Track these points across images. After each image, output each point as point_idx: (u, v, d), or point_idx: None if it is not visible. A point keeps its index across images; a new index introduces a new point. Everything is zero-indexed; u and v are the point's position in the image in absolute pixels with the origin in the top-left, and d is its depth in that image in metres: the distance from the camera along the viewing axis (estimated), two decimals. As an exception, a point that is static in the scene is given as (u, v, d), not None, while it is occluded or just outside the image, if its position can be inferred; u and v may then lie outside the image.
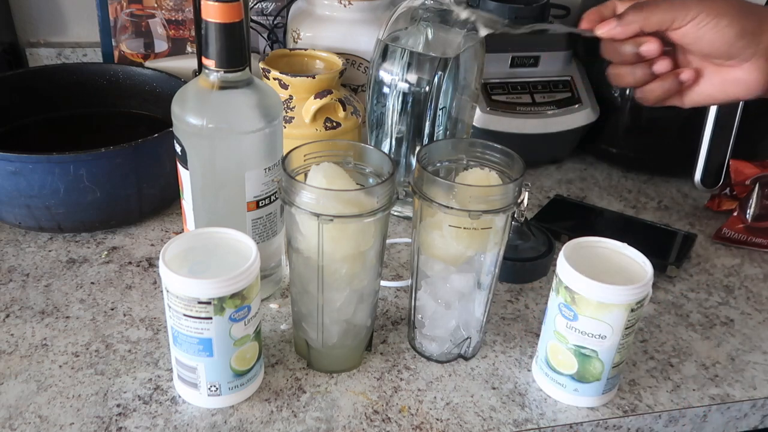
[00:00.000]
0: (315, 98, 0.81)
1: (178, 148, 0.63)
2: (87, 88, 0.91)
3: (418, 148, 0.80)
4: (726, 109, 0.86)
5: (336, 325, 0.61)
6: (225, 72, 0.59)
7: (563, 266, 0.58)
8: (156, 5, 1.02)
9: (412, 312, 0.65)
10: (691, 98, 0.61)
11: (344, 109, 0.84)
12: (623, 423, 0.61)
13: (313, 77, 0.82)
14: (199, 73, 0.62)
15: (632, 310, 0.56)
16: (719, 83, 0.59)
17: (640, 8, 0.57)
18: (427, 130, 0.80)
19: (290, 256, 0.61)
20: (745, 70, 0.57)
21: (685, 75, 0.59)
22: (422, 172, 0.57)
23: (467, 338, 0.64)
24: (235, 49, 0.58)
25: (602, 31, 0.58)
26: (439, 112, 0.79)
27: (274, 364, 0.64)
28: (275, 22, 1.07)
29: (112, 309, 0.69)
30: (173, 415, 0.58)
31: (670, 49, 0.59)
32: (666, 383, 0.65)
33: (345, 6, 0.91)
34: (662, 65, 0.59)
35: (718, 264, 0.83)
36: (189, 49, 1.05)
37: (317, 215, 0.54)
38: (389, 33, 0.79)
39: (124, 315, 0.68)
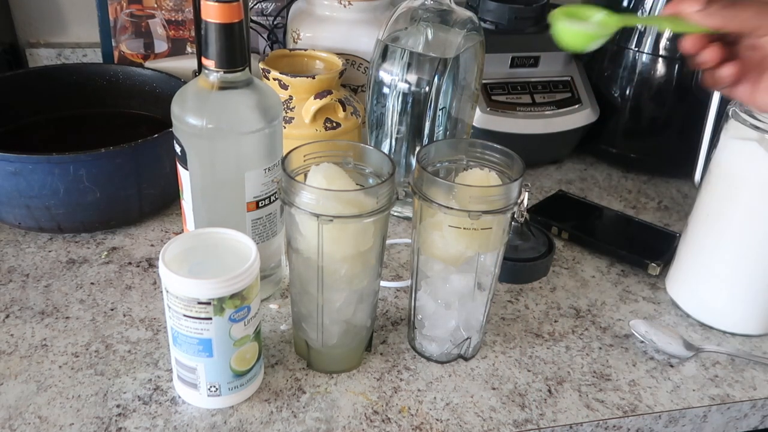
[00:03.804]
0: (315, 98, 0.81)
1: (177, 149, 0.63)
2: (87, 88, 0.91)
3: (418, 148, 0.80)
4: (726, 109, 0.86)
5: (336, 325, 0.61)
6: (225, 72, 0.59)
7: None
8: (156, 5, 1.02)
9: (412, 312, 0.65)
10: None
11: (344, 110, 0.84)
12: (623, 423, 0.61)
13: (313, 77, 0.82)
14: (199, 73, 0.62)
15: None
16: None
17: (729, 5, 0.55)
18: (427, 131, 0.80)
19: (290, 257, 0.61)
20: None
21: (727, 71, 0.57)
22: (422, 173, 0.57)
23: (467, 338, 0.64)
24: (235, 50, 0.58)
25: (683, 6, 0.56)
26: (439, 112, 0.79)
27: (274, 365, 0.64)
28: (275, 23, 1.07)
29: (112, 309, 0.69)
30: (173, 416, 0.58)
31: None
32: (666, 383, 0.65)
33: (345, 6, 0.91)
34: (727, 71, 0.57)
35: (718, 264, 0.83)
36: (189, 49, 1.05)
37: (317, 215, 0.54)
38: (389, 33, 0.79)
39: (124, 315, 0.68)
